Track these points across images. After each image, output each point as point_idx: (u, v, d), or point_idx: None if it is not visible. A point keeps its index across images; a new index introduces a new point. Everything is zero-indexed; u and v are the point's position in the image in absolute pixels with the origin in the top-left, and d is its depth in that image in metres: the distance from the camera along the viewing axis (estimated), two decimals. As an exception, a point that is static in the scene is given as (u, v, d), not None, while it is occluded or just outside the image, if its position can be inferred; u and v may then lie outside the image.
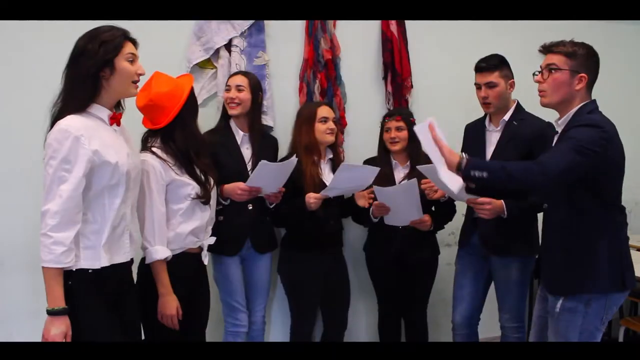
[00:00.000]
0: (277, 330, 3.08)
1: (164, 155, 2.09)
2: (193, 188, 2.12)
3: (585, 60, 1.94)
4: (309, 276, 2.66)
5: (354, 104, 3.10)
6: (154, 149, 2.10)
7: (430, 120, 1.99)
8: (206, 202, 2.17)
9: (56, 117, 1.74)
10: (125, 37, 1.81)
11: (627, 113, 3.40)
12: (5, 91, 2.54)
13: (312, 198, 2.50)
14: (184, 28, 2.78)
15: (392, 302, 2.87)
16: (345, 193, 2.63)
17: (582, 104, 1.95)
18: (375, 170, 2.49)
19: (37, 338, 1.79)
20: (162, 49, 2.76)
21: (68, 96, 1.75)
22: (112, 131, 1.81)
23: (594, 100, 1.98)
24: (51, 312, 1.70)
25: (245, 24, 2.83)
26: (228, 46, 2.83)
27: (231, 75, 2.63)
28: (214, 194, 2.27)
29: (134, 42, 1.85)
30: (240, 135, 2.59)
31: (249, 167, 2.56)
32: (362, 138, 2.99)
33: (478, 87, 2.55)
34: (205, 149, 2.23)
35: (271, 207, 2.60)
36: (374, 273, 2.88)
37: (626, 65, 3.50)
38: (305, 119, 2.64)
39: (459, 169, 1.86)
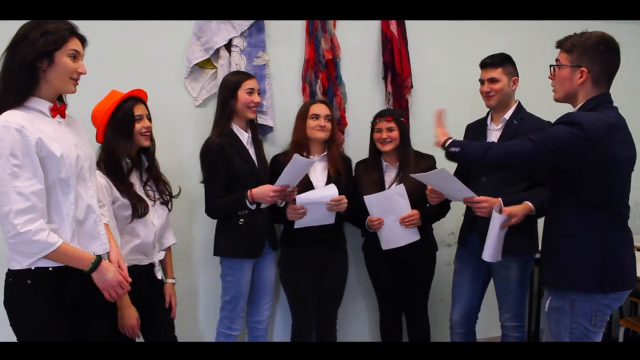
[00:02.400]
0: (278, 331, 3.09)
1: (105, 170, 2.11)
2: (128, 208, 2.12)
3: (585, 54, 1.89)
4: (304, 273, 2.68)
5: (354, 104, 3.10)
6: (101, 165, 2.11)
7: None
8: (140, 216, 2.15)
9: None
10: (72, 32, 1.72)
11: (627, 113, 3.40)
12: None
13: (290, 209, 2.53)
14: (184, 28, 2.78)
15: (392, 301, 2.88)
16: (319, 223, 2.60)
17: (587, 99, 1.91)
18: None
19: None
20: (162, 49, 2.77)
21: (4, 85, 1.67)
22: (56, 123, 1.73)
23: (603, 94, 1.91)
24: (92, 270, 1.72)
25: (245, 24, 2.83)
26: (228, 46, 2.83)
27: (248, 79, 2.57)
28: (161, 212, 2.27)
29: (82, 40, 1.76)
30: (245, 136, 2.59)
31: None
32: (362, 138, 2.98)
33: (481, 82, 2.57)
34: (140, 166, 2.23)
35: (281, 205, 2.58)
36: (372, 272, 2.89)
37: (626, 65, 3.50)
38: (299, 117, 2.69)
39: (442, 146, 2.17)
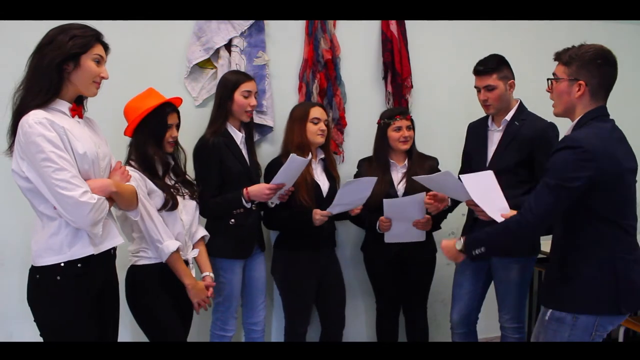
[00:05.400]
0: (276, 331, 3.09)
1: (138, 167, 2.17)
2: (160, 198, 2.15)
3: (583, 67, 1.86)
4: (303, 276, 2.67)
5: (353, 104, 3.10)
6: (131, 161, 2.19)
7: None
8: (169, 209, 2.18)
9: (18, 108, 1.73)
10: (97, 38, 1.80)
11: (627, 113, 3.40)
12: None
13: (318, 214, 2.54)
14: (184, 28, 2.78)
15: (390, 301, 2.88)
16: (349, 208, 2.63)
17: (584, 113, 1.89)
18: (373, 180, 2.55)
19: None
20: (162, 49, 2.77)
21: (30, 85, 1.73)
22: (75, 122, 1.80)
23: (598, 108, 1.89)
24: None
25: (245, 24, 2.83)
26: (228, 46, 2.83)
27: (246, 80, 2.56)
28: (189, 208, 2.31)
29: (106, 47, 1.84)
30: (239, 136, 2.59)
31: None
32: (361, 138, 2.99)
33: (478, 90, 2.56)
34: (170, 166, 2.27)
35: (273, 206, 2.59)
36: (372, 272, 2.89)
37: (626, 65, 3.50)
38: (297, 119, 2.65)
39: (460, 251, 2.04)
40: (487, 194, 2.24)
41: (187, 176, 2.38)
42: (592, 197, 1.82)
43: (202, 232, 2.42)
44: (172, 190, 2.22)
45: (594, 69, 1.87)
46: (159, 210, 2.16)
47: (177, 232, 2.23)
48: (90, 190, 1.72)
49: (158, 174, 2.21)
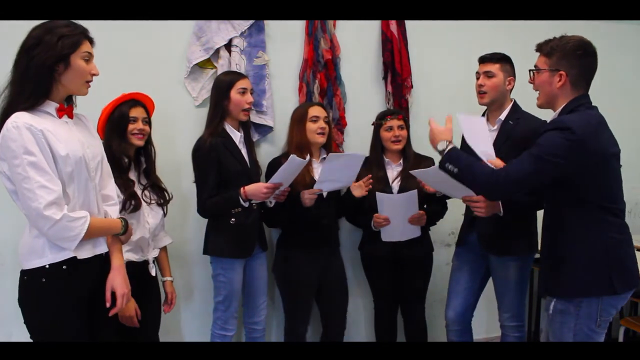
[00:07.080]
0: (276, 330, 3.09)
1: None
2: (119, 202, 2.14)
3: (563, 57, 1.91)
4: (303, 275, 2.67)
5: (353, 104, 3.10)
6: None
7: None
8: (130, 212, 2.19)
9: (5, 111, 1.67)
10: (85, 35, 1.74)
11: (627, 113, 3.41)
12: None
13: (306, 194, 2.53)
14: (184, 28, 2.78)
15: (388, 300, 2.88)
16: (339, 186, 2.64)
17: (567, 102, 1.93)
18: (361, 156, 2.54)
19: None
20: (162, 49, 2.77)
21: (19, 89, 1.67)
22: (62, 123, 1.74)
23: (581, 96, 1.93)
24: (125, 231, 1.85)
25: (245, 24, 2.83)
26: (228, 46, 2.83)
27: (240, 79, 2.57)
28: (156, 213, 2.34)
29: (91, 42, 1.78)
30: (238, 136, 2.59)
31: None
32: (361, 138, 2.98)
33: (477, 77, 2.58)
34: (123, 168, 2.25)
35: (271, 205, 2.60)
36: (369, 272, 2.89)
37: (626, 65, 3.51)
38: (297, 120, 2.67)
39: (439, 153, 2.07)
40: (478, 136, 2.29)
41: (159, 181, 2.39)
42: (580, 183, 1.86)
43: (168, 240, 2.48)
44: (133, 192, 2.22)
45: (574, 59, 1.91)
46: (119, 212, 2.13)
47: (139, 235, 2.25)
48: (61, 202, 1.65)
49: (122, 171, 2.22)
